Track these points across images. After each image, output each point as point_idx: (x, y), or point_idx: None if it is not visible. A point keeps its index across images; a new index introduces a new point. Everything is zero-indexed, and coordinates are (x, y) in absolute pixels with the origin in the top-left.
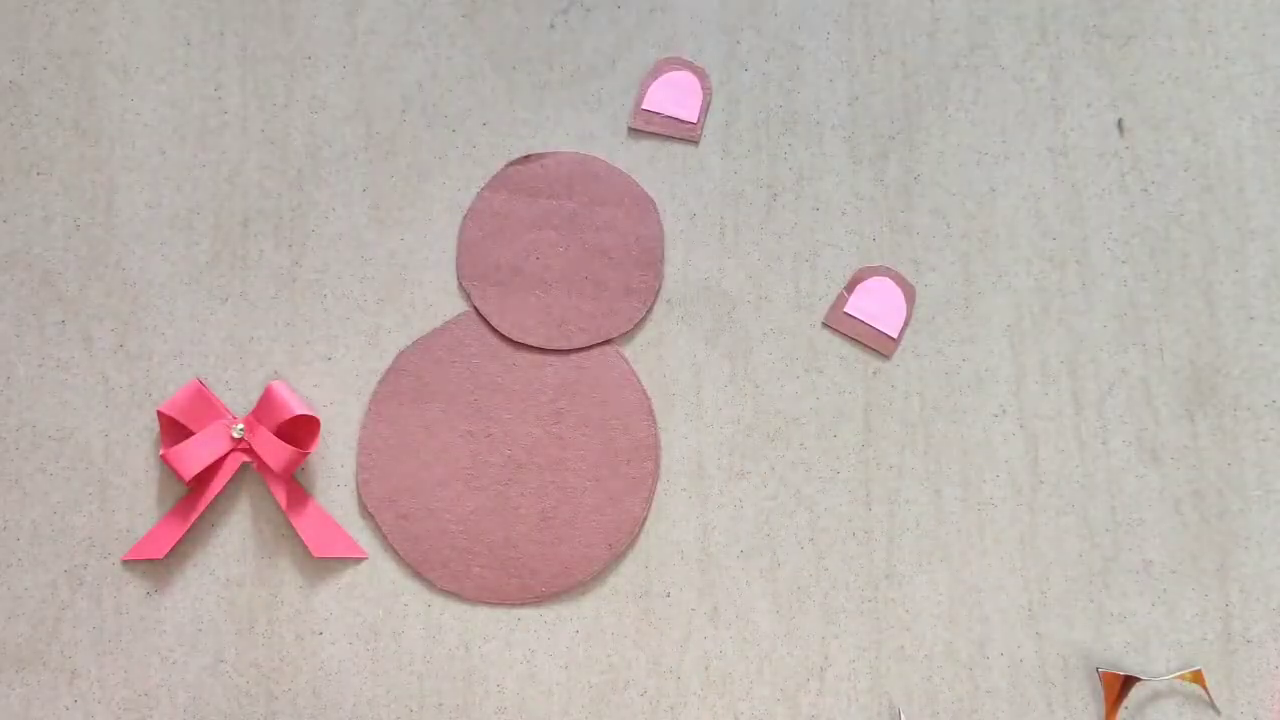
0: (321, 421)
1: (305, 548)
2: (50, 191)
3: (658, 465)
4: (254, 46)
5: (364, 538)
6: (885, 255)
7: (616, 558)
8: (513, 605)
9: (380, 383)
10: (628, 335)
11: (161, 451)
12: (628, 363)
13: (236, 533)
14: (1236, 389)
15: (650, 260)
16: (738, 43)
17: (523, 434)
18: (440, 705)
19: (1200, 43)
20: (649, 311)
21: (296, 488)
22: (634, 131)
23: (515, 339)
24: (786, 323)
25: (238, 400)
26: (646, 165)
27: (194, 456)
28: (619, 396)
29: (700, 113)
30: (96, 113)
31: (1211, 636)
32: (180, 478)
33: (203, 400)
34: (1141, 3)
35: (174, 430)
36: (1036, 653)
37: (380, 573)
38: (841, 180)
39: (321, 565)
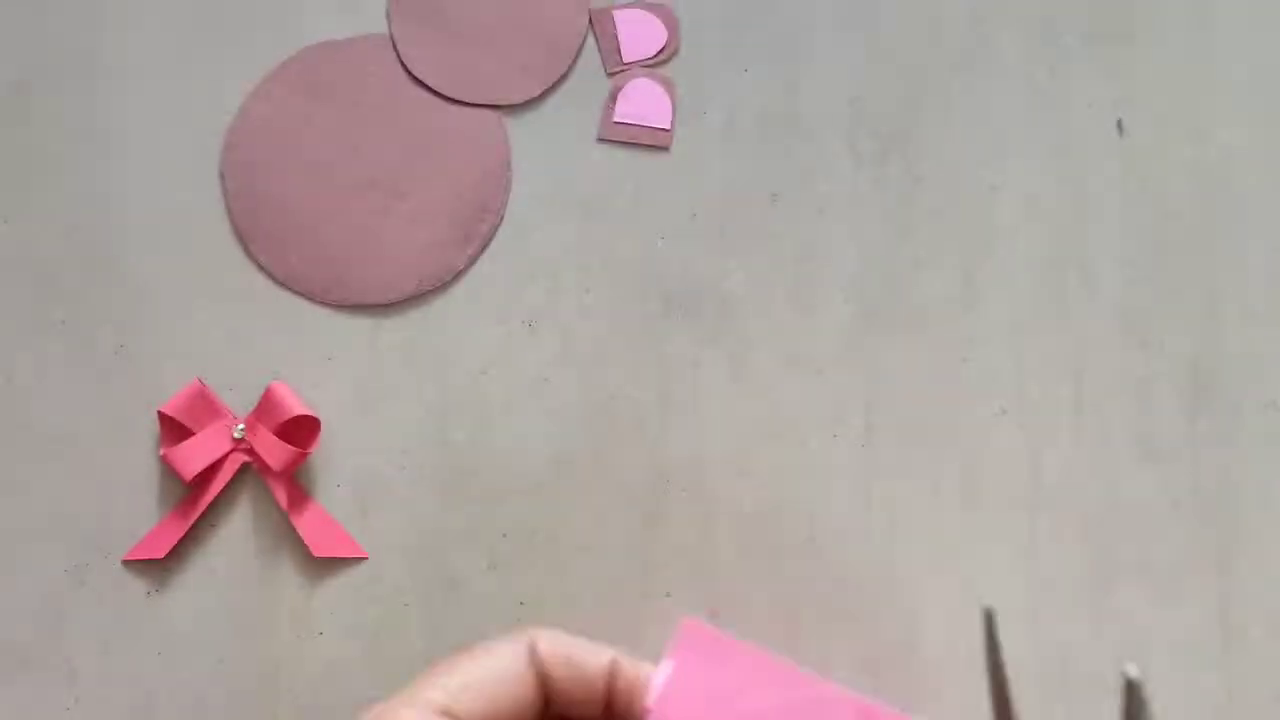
0: (321, 422)
1: (305, 548)
2: (50, 191)
3: (493, 229)
4: (254, 46)
5: (364, 538)
6: (885, 255)
7: (417, 297)
8: (313, 300)
9: (280, 66)
10: (516, 110)
11: (161, 451)
12: (504, 130)
13: (236, 533)
14: (1236, 389)
15: (559, 50)
16: (738, 43)
17: (389, 159)
18: None
19: (1200, 43)
20: (543, 96)
21: (296, 488)
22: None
23: (414, 73)
24: (786, 323)
25: (238, 400)
26: (647, 165)
27: (194, 456)
28: (483, 158)
29: (672, 118)
30: (96, 113)
31: (1211, 636)
32: (180, 478)
33: (203, 400)
34: (1141, 2)
35: (174, 430)
36: (1036, 652)
37: (380, 573)
38: (841, 180)
39: (321, 565)
